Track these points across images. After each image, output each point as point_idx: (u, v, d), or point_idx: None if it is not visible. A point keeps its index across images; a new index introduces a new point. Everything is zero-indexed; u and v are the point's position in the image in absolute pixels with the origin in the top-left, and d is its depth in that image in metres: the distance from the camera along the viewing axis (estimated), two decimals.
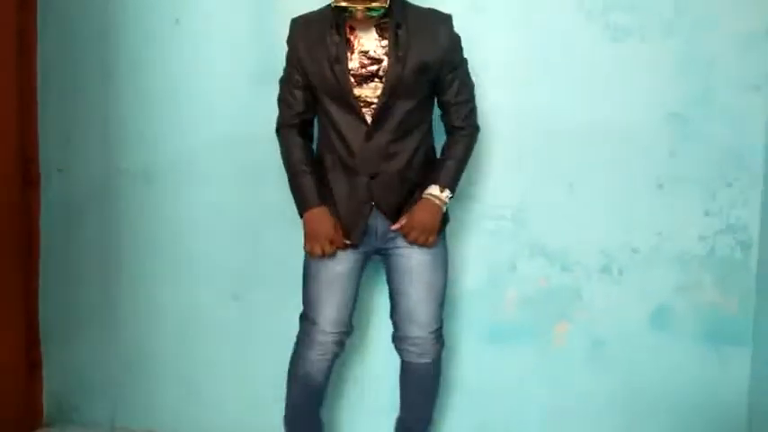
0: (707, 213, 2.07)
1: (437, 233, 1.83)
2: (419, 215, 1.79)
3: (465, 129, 1.86)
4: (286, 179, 1.86)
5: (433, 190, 1.81)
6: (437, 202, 1.80)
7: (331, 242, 1.78)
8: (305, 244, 1.82)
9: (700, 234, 2.08)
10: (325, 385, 1.91)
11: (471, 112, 1.87)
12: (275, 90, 2.04)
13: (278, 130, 1.87)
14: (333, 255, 1.80)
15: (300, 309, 1.90)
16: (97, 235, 2.27)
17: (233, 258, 2.22)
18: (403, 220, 1.80)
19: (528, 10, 2.07)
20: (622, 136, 2.08)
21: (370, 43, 1.74)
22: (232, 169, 2.20)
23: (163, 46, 2.18)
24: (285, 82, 1.84)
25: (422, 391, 1.94)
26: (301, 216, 1.83)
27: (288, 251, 2.12)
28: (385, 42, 1.74)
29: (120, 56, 2.19)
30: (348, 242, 1.80)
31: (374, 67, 1.74)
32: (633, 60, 2.06)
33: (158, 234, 2.25)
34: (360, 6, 1.65)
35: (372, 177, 1.77)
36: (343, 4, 1.66)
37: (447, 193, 1.82)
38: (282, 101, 1.85)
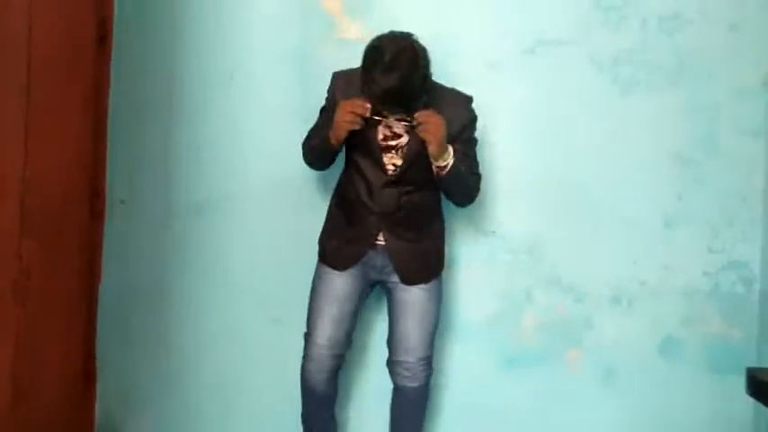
0: (710, 250, 2.22)
1: (434, 260, 2.05)
2: (440, 118, 1.85)
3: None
4: (324, 212, 2.09)
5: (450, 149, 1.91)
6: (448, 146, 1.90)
7: (351, 106, 1.85)
8: (337, 123, 1.89)
9: (704, 270, 2.23)
10: (327, 393, 2.10)
11: (474, 176, 2.03)
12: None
13: (303, 144, 2.10)
14: (364, 113, 1.85)
15: None
16: (152, 262, 2.47)
17: (275, 285, 2.41)
18: (424, 112, 1.85)
19: (541, 66, 2.28)
20: (631, 178, 2.26)
21: (394, 121, 1.94)
22: (275, 206, 2.41)
23: (219, 95, 2.43)
24: (316, 126, 2.07)
25: (410, 413, 2.10)
26: (329, 138, 1.94)
27: None
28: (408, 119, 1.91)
29: (181, 102, 2.44)
30: (368, 109, 1.84)
31: (394, 142, 1.97)
32: (641, 109, 2.26)
33: (207, 262, 2.44)
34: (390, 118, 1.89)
35: (382, 216, 1.99)
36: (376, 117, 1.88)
37: (451, 159, 1.90)
38: (309, 137, 2.08)
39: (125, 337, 2.50)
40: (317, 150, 2.06)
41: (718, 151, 2.22)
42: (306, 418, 2.16)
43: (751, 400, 2.13)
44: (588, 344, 2.27)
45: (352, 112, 1.85)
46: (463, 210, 2.28)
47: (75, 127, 2.34)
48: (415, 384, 2.05)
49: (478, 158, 2.05)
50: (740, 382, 2.13)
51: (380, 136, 1.95)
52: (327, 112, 2.02)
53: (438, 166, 1.90)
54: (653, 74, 2.25)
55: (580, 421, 2.27)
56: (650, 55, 2.25)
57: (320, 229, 2.29)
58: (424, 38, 2.25)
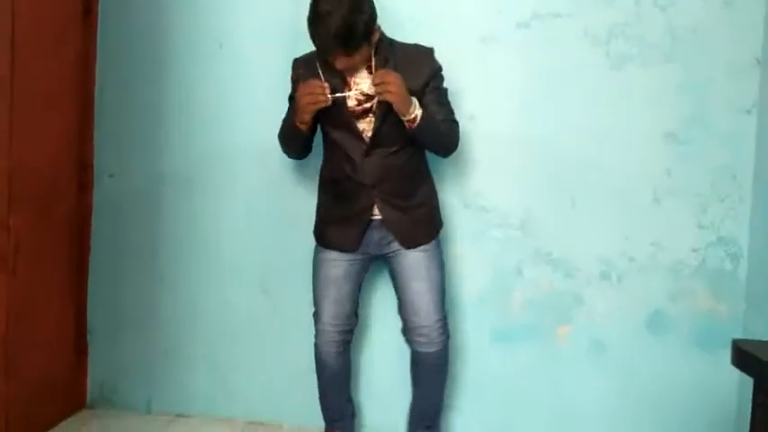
0: (700, 226, 2.24)
1: (432, 220, 2.09)
2: (396, 76, 1.85)
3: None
4: (315, 181, 2.10)
5: (414, 99, 1.90)
6: (410, 98, 1.88)
7: (313, 89, 1.87)
8: (299, 107, 1.91)
9: (692, 246, 2.24)
10: (340, 370, 2.16)
11: (451, 123, 2.03)
12: None
13: (278, 136, 2.13)
14: (326, 98, 1.87)
15: None
16: (141, 235, 2.48)
17: (263, 256, 2.42)
18: (379, 73, 1.87)
19: (536, 40, 2.27)
20: (622, 154, 2.26)
21: (363, 83, 1.95)
22: (263, 177, 2.41)
23: (207, 66, 2.41)
24: (287, 116, 2.08)
25: (431, 378, 2.13)
26: (297, 126, 1.98)
27: (311, 251, 2.33)
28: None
29: (169, 74, 2.43)
30: (328, 87, 1.86)
31: (368, 104, 1.96)
32: (633, 84, 2.25)
33: (196, 235, 2.46)
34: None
35: (374, 187, 1.99)
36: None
37: (419, 111, 1.89)
38: (281, 128, 2.11)
39: (116, 309, 2.52)
40: (289, 139, 2.09)
41: (710, 128, 2.23)
42: (322, 396, 2.21)
43: (736, 372, 2.20)
44: (578, 319, 2.30)
45: (312, 93, 1.87)
46: (454, 185, 2.30)
47: (61, 100, 2.31)
48: (433, 349, 2.07)
49: (453, 107, 2.04)
50: (726, 355, 2.19)
51: (352, 102, 1.95)
52: (294, 100, 2.03)
53: (408, 120, 1.90)
54: (646, 49, 2.24)
55: (569, 394, 2.31)
56: (644, 30, 2.23)
57: (305, 201, 2.31)
58: (418, 12, 2.27)
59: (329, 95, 1.88)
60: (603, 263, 2.28)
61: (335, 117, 1.96)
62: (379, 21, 1.90)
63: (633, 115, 2.25)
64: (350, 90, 1.94)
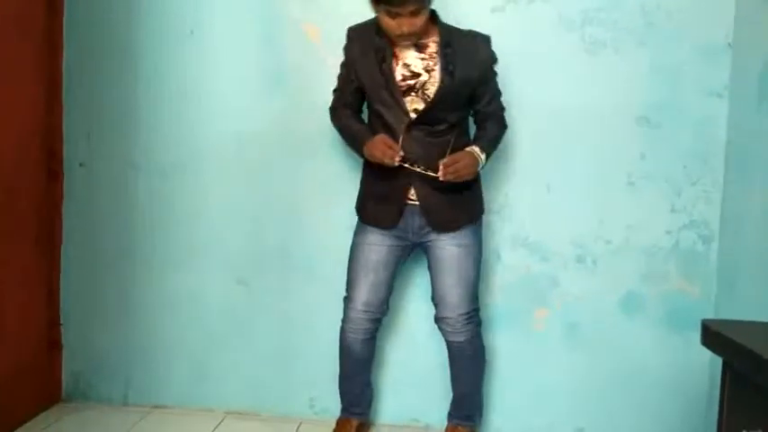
0: (673, 210, 2.27)
1: (470, 205, 2.08)
2: (462, 154, 1.96)
3: (493, 121, 2.09)
4: (291, 171, 2.06)
5: (474, 148, 2.00)
6: (476, 155, 1.99)
7: (387, 145, 1.93)
8: (370, 156, 1.98)
9: (666, 228, 2.28)
10: (364, 356, 2.15)
11: (502, 115, 2.11)
12: (281, 93, 2.29)
13: (331, 110, 2.12)
14: (392, 161, 1.92)
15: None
16: (114, 225, 2.44)
17: (239, 247, 2.40)
18: (448, 159, 1.93)
19: (509, 25, 2.27)
20: (596, 138, 2.28)
21: (410, 58, 1.97)
22: (238, 166, 2.38)
23: (178, 52, 2.37)
24: (340, 79, 2.10)
25: (462, 368, 2.14)
26: (363, 154, 2.03)
27: (289, 241, 2.32)
28: (423, 57, 1.96)
29: (140, 60, 2.38)
30: (401, 155, 1.92)
31: (413, 81, 1.96)
32: (607, 68, 2.27)
33: (170, 225, 2.42)
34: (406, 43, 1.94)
35: (413, 163, 1.96)
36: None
37: (484, 156, 2.01)
38: (337, 90, 2.11)
39: (90, 301, 2.48)
40: (346, 141, 2.12)
41: (682, 111, 2.25)
42: (342, 380, 2.19)
43: (707, 352, 2.24)
44: (554, 302, 2.32)
45: (383, 151, 1.92)
46: None
47: (27, 87, 2.25)
48: (461, 339, 2.08)
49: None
50: (697, 336, 2.22)
51: (399, 77, 1.96)
52: (347, 70, 2.05)
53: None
54: (619, 33, 2.25)
55: (546, 376, 2.34)
56: (617, 14, 2.24)
57: (284, 189, 2.28)
58: None
59: (397, 160, 1.91)
60: (579, 246, 2.30)
61: (382, 87, 1.96)
62: None
63: (607, 99, 2.27)
64: (397, 64, 1.96)
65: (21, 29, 2.18)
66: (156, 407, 2.45)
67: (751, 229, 2.06)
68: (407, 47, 1.96)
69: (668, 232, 2.28)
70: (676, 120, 2.26)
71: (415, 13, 1.86)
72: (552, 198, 2.30)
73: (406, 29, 1.88)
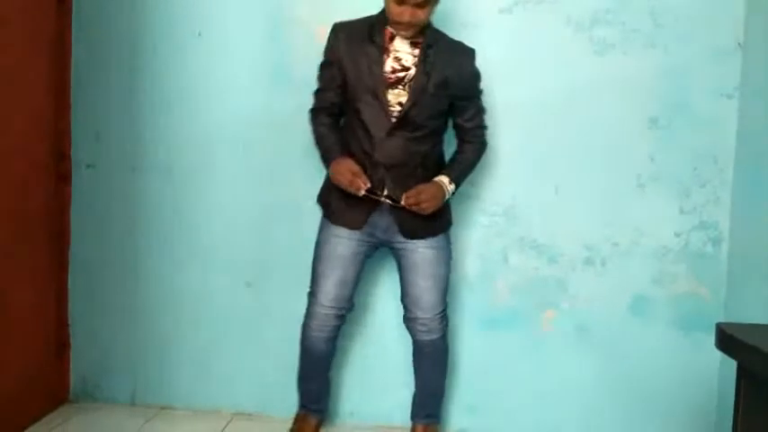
0: (682, 211, 2.26)
1: (439, 218, 2.04)
2: (427, 186, 1.98)
3: (474, 143, 2.09)
4: (299, 172, 2.06)
5: (442, 178, 2.01)
6: (443, 187, 2.00)
7: (354, 174, 1.93)
8: (334, 179, 1.97)
9: (675, 230, 2.27)
10: (327, 353, 2.13)
11: (482, 132, 2.11)
12: (288, 94, 2.27)
13: (311, 111, 2.09)
14: (357, 192, 1.93)
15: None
16: (121, 227, 2.44)
17: (246, 248, 2.40)
18: (412, 191, 1.95)
19: (518, 26, 2.26)
20: (606, 140, 2.27)
21: (403, 51, 1.96)
22: (246, 167, 2.38)
23: (186, 54, 2.37)
24: (321, 80, 2.06)
25: (431, 364, 2.14)
26: (328, 167, 2.01)
27: (295, 242, 2.32)
28: (416, 52, 1.96)
29: (148, 62, 2.38)
30: (367, 185, 1.93)
31: (402, 74, 1.96)
32: (616, 70, 2.25)
33: (177, 226, 2.42)
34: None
35: (388, 169, 1.97)
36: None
37: (452, 187, 2.02)
38: (318, 91, 2.08)
39: (98, 302, 2.48)
40: (318, 149, 2.08)
41: (692, 113, 2.24)
42: (302, 378, 2.18)
43: (717, 354, 2.23)
44: (562, 304, 2.31)
45: (351, 180, 1.92)
46: None
47: (36, 89, 2.26)
48: (434, 337, 2.09)
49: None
50: (707, 338, 2.24)
51: (388, 68, 1.96)
52: (330, 67, 2.02)
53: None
54: (628, 35, 2.24)
55: (554, 378, 2.33)
56: (626, 16, 2.23)
57: (290, 191, 2.28)
58: None
59: (364, 190, 1.92)
60: (587, 248, 2.29)
61: (367, 82, 1.95)
62: None
63: (616, 101, 2.26)
64: (387, 57, 1.95)
65: (30, 32, 2.19)
66: (164, 408, 2.44)
67: (761, 231, 2.04)
68: (404, 36, 1.95)
69: (678, 234, 2.26)
70: (686, 121, 2.24)
71: (420, 5, 1.87)
72: (560, 199, 2.29)
73: (407, 17, 1.88)
